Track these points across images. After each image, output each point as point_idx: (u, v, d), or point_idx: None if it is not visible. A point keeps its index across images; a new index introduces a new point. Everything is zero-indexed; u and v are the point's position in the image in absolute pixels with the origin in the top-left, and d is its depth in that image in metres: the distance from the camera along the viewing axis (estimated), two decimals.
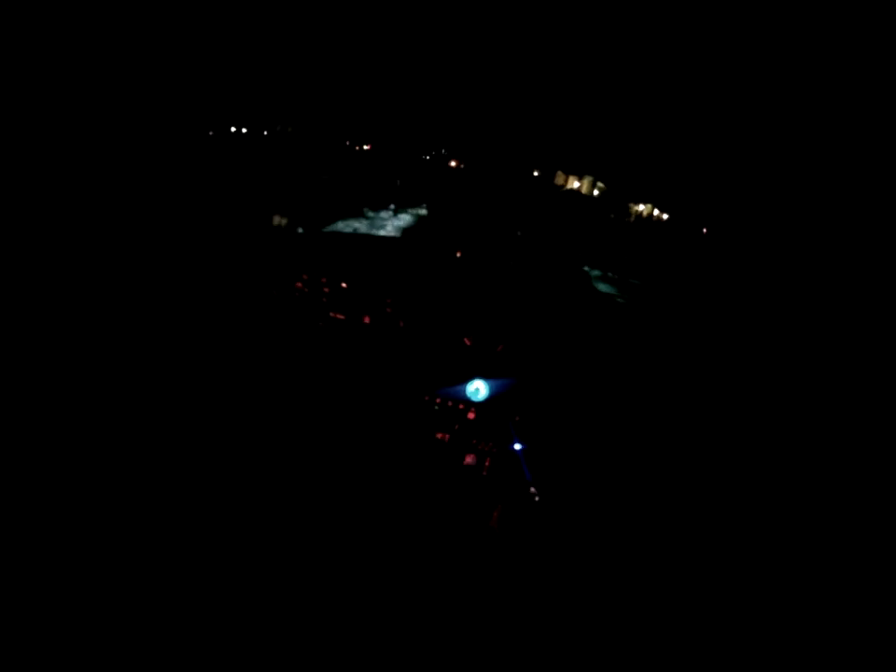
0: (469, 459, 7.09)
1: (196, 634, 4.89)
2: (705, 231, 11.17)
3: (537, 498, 6.78)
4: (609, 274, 10.06)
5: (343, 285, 7.58)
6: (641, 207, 13.32)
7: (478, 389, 7.19)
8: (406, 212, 9.87)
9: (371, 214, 9.66)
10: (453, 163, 11.56)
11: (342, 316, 7.70)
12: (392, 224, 9.62)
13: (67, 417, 6.42)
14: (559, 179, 12.42)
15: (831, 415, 7.72)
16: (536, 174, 11.90)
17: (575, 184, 12.27)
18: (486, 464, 7.06)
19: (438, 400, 7.21)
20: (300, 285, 7.74)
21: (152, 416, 6.68)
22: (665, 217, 13.01)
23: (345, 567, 5.65)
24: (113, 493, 5.82)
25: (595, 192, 12.24)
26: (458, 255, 8.34)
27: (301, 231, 8.97)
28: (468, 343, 7.62)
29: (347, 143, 10.97)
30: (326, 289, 7.66)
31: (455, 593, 5.69)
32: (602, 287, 9.65)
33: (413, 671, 5.08)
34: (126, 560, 5.26)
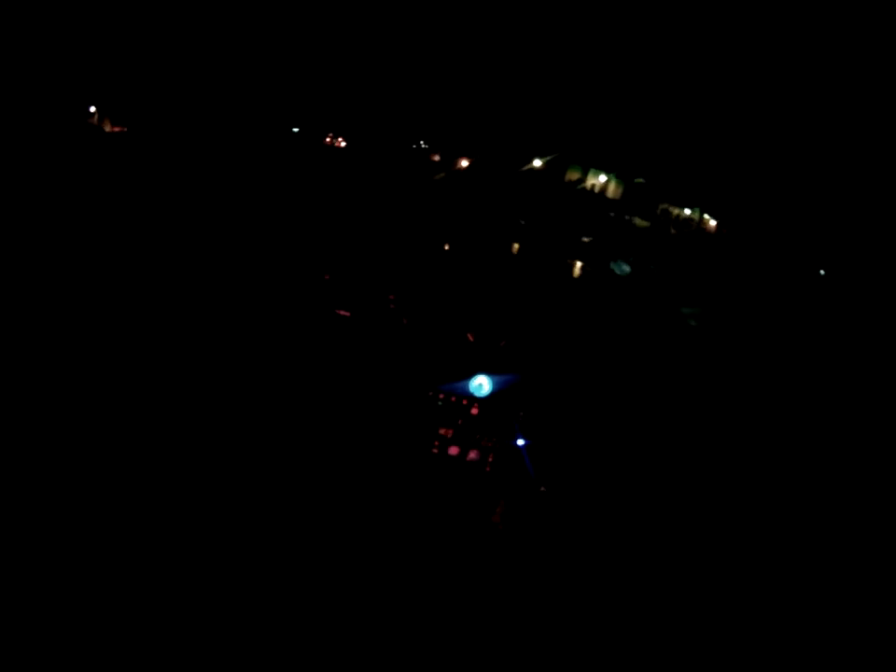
0: (473, 455, 7.09)
1: (197, 631, 4.94)
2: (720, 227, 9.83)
3: (540, 492, 6.69)
4: (618, 267, 9.77)
5: (347, 281, 7.74)
6: (688, 212, 12.05)
7: (481, 385, 7.21)
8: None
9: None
10: (436, 157, 10.83)
11: (346, 313, 7.87)
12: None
13: (68, 415, 6.47)
14: (572, 175, 10.80)
15: (832, 412, 7.30)
16: (538, 164, 10.48)
17: (601, 178, 10.62)
18: (490, 459, 7.04)
19: (441, 396, 7.27)
20: (304, 281, 7.94)
21: (153, 411, 6.79)
22: (714, 224, 11.84)
23: (349, 560, 5.71)
24: (114, 491, 5.87)
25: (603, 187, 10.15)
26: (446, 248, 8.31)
27: (304, 230, 9.21)
28: (471, 338, 7.66)
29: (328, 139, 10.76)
30: (330, 286, 7.84)
31: (459, 587, 5.68)
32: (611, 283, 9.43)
33: (417, 664, 5.11)
34: (127, 558, 5.31)
